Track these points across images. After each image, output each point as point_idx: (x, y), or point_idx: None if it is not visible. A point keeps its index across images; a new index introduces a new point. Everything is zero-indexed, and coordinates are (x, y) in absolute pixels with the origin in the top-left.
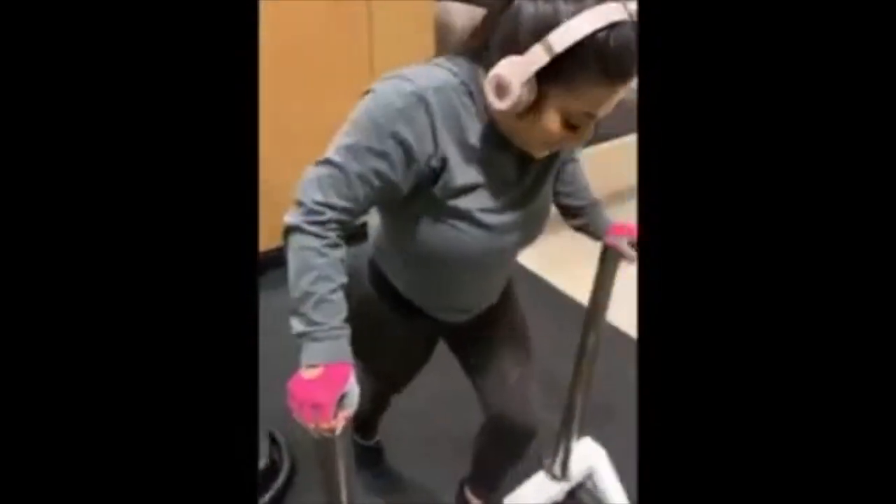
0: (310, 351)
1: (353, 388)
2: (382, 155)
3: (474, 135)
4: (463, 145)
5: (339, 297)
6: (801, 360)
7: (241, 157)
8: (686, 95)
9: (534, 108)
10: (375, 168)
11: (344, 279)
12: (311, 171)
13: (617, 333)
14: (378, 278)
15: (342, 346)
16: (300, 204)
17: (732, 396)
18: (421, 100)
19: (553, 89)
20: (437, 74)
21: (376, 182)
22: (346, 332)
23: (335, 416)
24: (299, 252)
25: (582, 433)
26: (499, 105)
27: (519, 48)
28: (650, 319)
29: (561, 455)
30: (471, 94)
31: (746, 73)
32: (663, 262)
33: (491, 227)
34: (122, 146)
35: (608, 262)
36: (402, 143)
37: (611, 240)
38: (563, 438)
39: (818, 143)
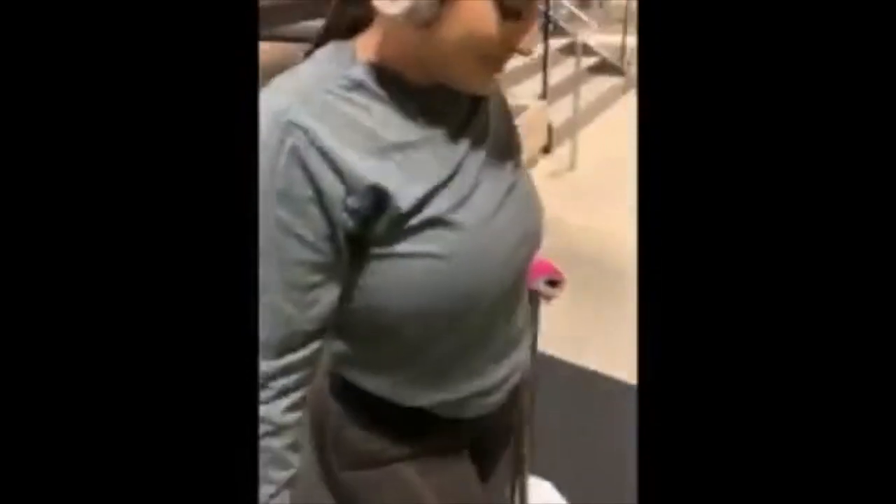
0: None
1: None
2: (287, 236)
3: (389, 126)
4: (381, 153)
5: (281, 499)
6: (809, 394)
7: (238, 163)
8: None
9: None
10: (290, 258)
11: (295, 468)
12: None
13: None
14: (358, 402)
15: None
16: None
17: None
18: (288, 127)
19: None
20: (294, 79)
21: (306, 279)
22: None
23: None
24: None
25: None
26: (391, 8)
27: None
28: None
29: None
30: (359, 85)
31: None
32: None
33: (471, 227)
34: (119, 148)
35: (531, 304)
36: (299, 200)
37: (530, 284)
38: (517, 489)
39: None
